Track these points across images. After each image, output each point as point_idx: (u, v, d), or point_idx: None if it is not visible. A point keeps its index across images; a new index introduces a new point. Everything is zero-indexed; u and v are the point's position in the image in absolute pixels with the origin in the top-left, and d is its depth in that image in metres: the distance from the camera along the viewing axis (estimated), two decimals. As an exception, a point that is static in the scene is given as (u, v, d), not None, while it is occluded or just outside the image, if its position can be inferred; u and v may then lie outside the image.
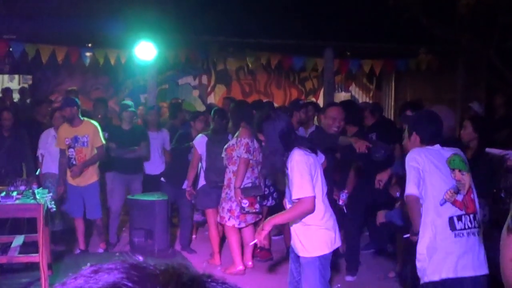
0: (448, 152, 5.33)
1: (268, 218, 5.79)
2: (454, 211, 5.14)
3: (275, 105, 17.55)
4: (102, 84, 17.44)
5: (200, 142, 9.50)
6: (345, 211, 8.29)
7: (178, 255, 9.81)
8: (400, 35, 14.12)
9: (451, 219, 5.12)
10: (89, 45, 14.47)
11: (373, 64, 16.12)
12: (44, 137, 10.59)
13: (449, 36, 12.75)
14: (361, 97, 19.75)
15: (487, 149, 1.85)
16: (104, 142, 9.87)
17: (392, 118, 16.67)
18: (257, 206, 8.91)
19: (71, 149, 9.68)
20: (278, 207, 9.83)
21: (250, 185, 8.88)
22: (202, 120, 10.24)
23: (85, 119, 9.86)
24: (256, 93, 19.13)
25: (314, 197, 5.54)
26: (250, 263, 9.39)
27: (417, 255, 5.28)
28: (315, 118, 11.38)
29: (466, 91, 15.42)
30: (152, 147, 10.91)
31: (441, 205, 5.13)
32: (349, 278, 8.77)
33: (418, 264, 5.29)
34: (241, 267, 9.13)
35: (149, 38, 13.04)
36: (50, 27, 12.83)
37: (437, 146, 5.37)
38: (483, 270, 5.18)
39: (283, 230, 9.94)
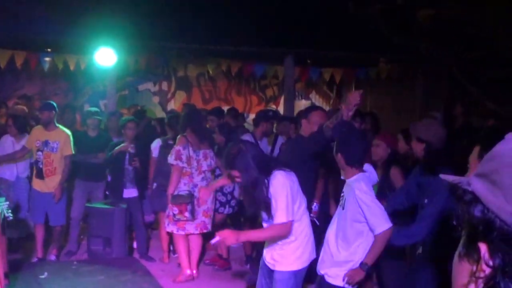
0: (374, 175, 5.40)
1: (245, 231, 5.65)
2: None
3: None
4: (61, 89, 17.28)
5: (155, 147, 10.06)
6: (317, 223, 7.94)
7: (136, 263, 9.74)
8: (361, 44, 14.17)
9: None
10: (49, 50, 14.33)
11: (333, 72, 16.18)
12: (2, 142, 10.55)
13: (408, 45, 12.83)
14: (322, 105, 19.76)
15: (442, 176, 1.84)
16: (73, 152, 9.89)
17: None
18: (187, 214, 8.87)
19: (40, 152, 9.77)
20: (236, 216, 9.97)
21: (186, 193, 8.92)
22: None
23: (60, 126, 9.95)
24: (216, 99, 19.10)
25: (293, 221, 5.48)
26: (194, 271, 9.42)
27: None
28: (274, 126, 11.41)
29: (425, 100, 15.55)
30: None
31: None
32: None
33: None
34: (188, 272, 9.23)
35: (109, 44, 12.94)
36: (9, 31, 12.67)
37: (367, 165, 5.47)
38: None
39: None
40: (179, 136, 9.12)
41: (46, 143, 9.75)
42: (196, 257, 9.44)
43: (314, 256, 5.93)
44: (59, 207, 9.94)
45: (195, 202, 8.87)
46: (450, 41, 12.09)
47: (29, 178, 10.44)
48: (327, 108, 19.10)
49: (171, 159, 8.92)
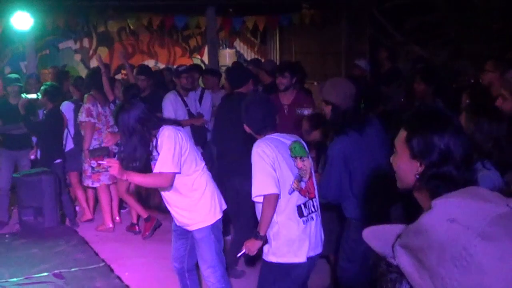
0: (288, 139, 5.32)
1: (130, 172, 5.56)
2: (301, 199, 5.20)
3: (160, 64, 17.52)
4: (-21, 53, 16.84)
5: (66, 108, 10.30)
6: None
7: (70, 231, 9.61)
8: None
9: (299, 207, 5.16)
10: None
11: (257, 20, 16.04)
12: None
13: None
14: (246, 52, 19.71)
15: (365, 238, 1.77)
16: None
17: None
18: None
19: None
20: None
21: (97, 146, 9.57)
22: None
23: None
24: (139, 53, 18.88)
25: (176, 174, 5.62)
26: (117, 218, 10.37)
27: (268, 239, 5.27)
28: (200, 80, 11.27)
29: (350, 44, 15.58)
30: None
31: (289, 194, 5.13)
32: (226, 237, 8.83)
33: (266, 247, 5.27)
34: (110, 225, 9.96)
35: (24, 8, 12.57)
36: None
37: (276, 134, 5.34)
38: (319, 250, 5.36)
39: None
40: (86, 95, 9.83)
41: None
42: (116, 205, 10.32)
43: (225, 206, 6.13)
44: None
45: None
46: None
47: None
48: (252, 55, 19.08)
49: (82, 117, 9.60)
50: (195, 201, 5.86)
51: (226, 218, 6.28)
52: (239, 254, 5.58)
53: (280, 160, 5.08)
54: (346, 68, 15.07)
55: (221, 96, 9.96)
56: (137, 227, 9.88)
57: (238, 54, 19.35)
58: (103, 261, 8.01)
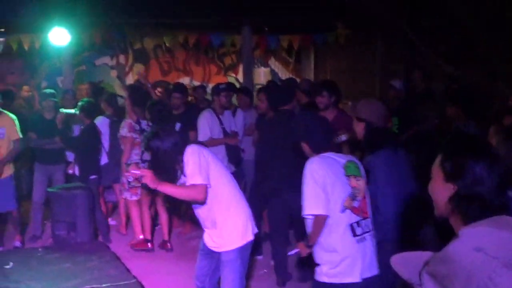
0: (343, 158, 5.31)
1: (164, 183, 5.66)
2: (353, 218, 5.16)
3: (195, 82, 17.58)
4: (17, 68, 17.02)
5: (101, 122, 10.48)
6: None
7: (103, 247, 9.64)
8: (318, 10, 14.13)
9: (351, 226, 5.13)
10: (2, 30, 14.09)
11: (291, 39, 16.09)
12: None
13: (366, 13, 12.82)
14: (281, 71, 19.72)
15: (393, 264, 1.79)
16: (21, 135, 9.71)
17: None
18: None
19: None
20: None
21: (137, 160, 9.66)
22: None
23: (3, 111, 9.69)
24: (175, 70, 18.98)
25: (207, 186, 5.63)
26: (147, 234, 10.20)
27: (320, 259, 5.24)
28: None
29: (384, 64, 15.54)
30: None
31: (342, 212, 5.11)
32: (257, 256, 8.81)
33: (318, 267, 5.25)
34: (140, 237, 10.03)
35: (62, 23, 12.71)
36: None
37: (331, 153, 5.33)
38: (375, 271, 5.28)
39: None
40: (127, 110, 10.12)
41: None
42: (148, 221, 10.10)
43: (256, 230, 6.10)
44: (8, 194, 9.81)
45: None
46: (403, 6, 12.10)
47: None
48: (286, 74, 19.11)
49: (123, 131, 9.73)
50: (224, 220, 5.86)
51: (258, 239, 6.26)
52: (291, 252, 5.65)
53: (332, 179, 5.09)
54: (380, 87, 15.03)
55: (252, 115, 10.07)
56: (169, 244, 9.91)
57: (273, 73, 19.38)
58: (135, 277, 8.02)
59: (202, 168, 5.60)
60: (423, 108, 9.98)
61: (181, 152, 5.70)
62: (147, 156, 9.30)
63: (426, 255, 1.52)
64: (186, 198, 5.82)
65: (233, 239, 5.88)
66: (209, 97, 12.09)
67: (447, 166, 2.70)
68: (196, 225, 10.56)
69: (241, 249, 5.90)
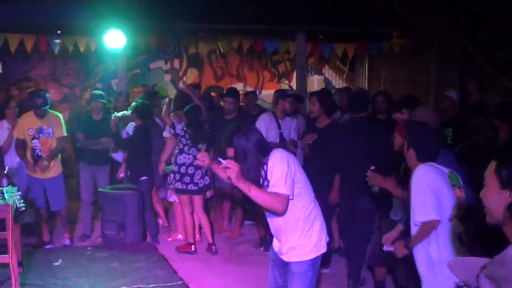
0: (445, 169, 5.27)
1: (248, 183, 5.14)
2: (460, 228, 5.13)
3: (248, 88, 17.57)
4: (72, 69, 17.21)
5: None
6: None
7: (150, 248, 9.70)
8: (373, 19, 14.06)
9: (459, 234, 5.10)
10: (58, 32, 14.25)
11: (346, 48, 16.03)
12: None
13: (421, 23, 12.73)
14: (335, 80, 19.66)
15: (449, 266, 1.75)
16: (65, 134, 9.90)
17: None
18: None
19: (35, 140, 9.63)
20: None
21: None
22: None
23: (49, 110, 9.82)
24: (228, 76, 18.97)
25: (290, 198, 5.27)
26: (197, 236, 10.32)
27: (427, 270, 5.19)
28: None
29: (439, 74, 15.39)
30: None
31: (449, 221, 5.08)
32: (323, 270, 8.69)
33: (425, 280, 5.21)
34: (179, 236, 10.46)
35: (118, 26, 12.80)
36: (18, 15, 12.63)
37: (435, 162, 5.29)
38: None
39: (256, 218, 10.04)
40: (172, 114, 10.44)
41: (40, 129, 9.65)
42: (191, 224, 9.95)
43: (327, 238, 5.77)
44: (58, 192, 9.96)
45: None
46: (463, 18, 11.99)
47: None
48: (340, 82, 19.04)
49: (166, 133, 10.36)
50: (302, 230, 5.52)
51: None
52: (386, 248, 5.59)
53: (443, 188, 5.09)
54: (434, 97, 14.89)
55: (301, 121, 10.10)
56: (213, 247, 9.87)
57: (327, 81, 19.31)
58: (181, 279, 8.06)
59: (289, 178, 5.23)
60: (476, 119, 9.86)
61: (264, 154, 5.36)
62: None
63: (483, 260, 1.53)
64: (266, 205, 5.32)
65: (307, 249, 5.54)
66: (261, 103, 12.11)
67: (502, 173, 2.65)
68: (244, 230, 10.69)
69: (314, 260, 5.59)
